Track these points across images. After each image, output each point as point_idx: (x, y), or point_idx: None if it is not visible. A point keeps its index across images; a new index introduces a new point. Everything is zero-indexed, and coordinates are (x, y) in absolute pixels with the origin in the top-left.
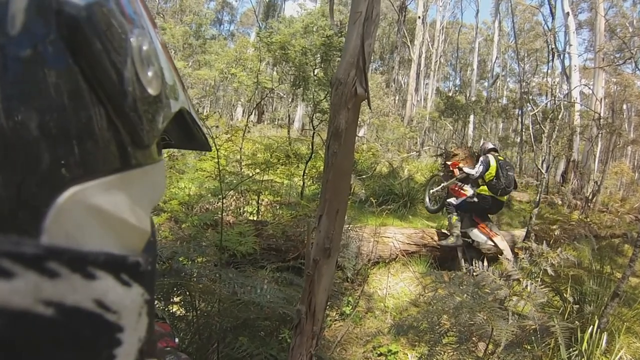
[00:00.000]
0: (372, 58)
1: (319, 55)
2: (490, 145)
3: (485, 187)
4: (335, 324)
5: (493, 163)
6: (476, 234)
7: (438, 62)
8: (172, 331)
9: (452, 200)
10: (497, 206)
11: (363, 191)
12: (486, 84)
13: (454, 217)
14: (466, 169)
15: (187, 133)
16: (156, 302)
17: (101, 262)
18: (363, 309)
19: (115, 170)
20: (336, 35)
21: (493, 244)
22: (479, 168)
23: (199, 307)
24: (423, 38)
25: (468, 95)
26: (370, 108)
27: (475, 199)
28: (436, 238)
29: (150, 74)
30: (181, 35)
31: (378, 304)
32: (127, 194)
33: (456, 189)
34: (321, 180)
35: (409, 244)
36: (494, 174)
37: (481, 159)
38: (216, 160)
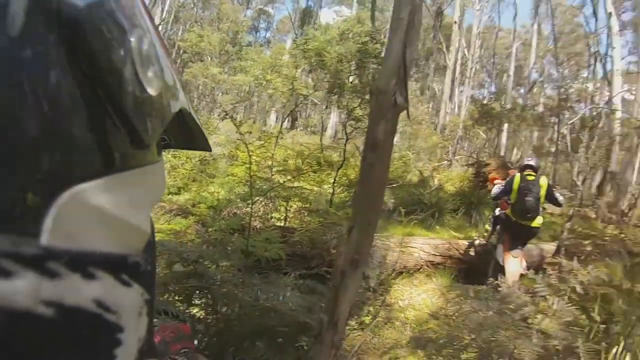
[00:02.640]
0: None
1: (354, 62)
2: (527, 162)
3: (509, 209)
4: (353, 334)
5: (515, 185)
6: (499, 252)
7: (474, 68)
8: (192, 333)
9: (497, 210)
10: (523, 232)
11: (392, 200)
12: (522, 90)
13: (487, 227)
14: (495, 187)
15: (187, 133)
16: (179, 304)
17: (101, 262)
18: (383, 319)
19: (115, 170)
20: (371, 42)
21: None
22: (495, 189)
23: (220, 311)
24: (459, 44)
25: (503, 102)
26: (409, 118)
27: (504, 217)
28: (462, 249)
29: (150, 74)
30: (218, 42)
31: (398, 314)
32: (127, 194)
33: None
34: (351, 189)
35: (434, 254)
36: (515, 197)
37: (508, 178)
38: (248, 165)
